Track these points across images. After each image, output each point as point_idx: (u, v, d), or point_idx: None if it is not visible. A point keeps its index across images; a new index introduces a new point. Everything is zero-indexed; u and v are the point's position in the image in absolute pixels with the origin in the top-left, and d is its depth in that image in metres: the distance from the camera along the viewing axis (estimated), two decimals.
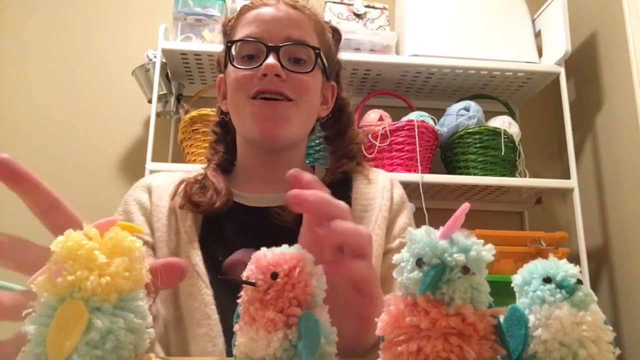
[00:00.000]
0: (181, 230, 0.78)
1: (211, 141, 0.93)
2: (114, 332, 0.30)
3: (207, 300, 0.71)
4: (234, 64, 0.80)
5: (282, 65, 0.77)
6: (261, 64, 0.77)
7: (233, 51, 0.81)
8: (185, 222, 0.78)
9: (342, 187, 0.86)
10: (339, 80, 0.92)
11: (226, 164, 0.89)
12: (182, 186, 0.82)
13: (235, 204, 0.81)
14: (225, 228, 0.78)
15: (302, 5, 0.83)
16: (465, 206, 0.32)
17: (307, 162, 0.97)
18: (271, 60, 0.76)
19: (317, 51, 0.80)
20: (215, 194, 0.79)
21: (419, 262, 0.32)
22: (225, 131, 0.90)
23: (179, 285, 0.74)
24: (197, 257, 0.75)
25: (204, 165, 0.91)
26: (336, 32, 0.90)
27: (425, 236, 0.33)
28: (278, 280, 0.34)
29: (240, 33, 0.81)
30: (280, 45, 0.77)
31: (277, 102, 0.78)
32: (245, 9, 0.83)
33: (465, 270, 0.31)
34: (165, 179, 0.86)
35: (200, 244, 0.77)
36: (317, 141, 1.55)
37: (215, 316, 0.71)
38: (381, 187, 0.86)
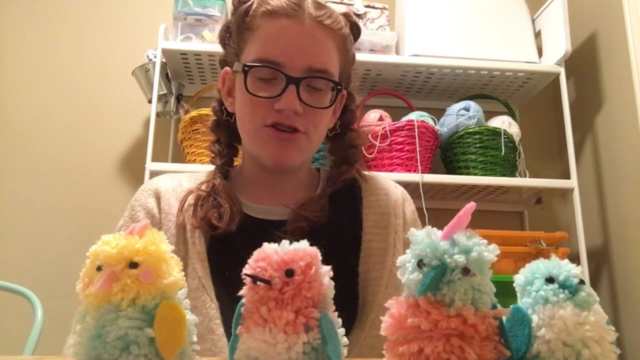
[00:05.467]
0: (189, 241, 0.76)
1: (212, 124, 0.89)
2: (193, 325, 0.36)
3: (212, 314, 0.70)
4: (250, 82, 0.75)
5: (300, 99, 0.74)
6: (280, 94, 0.73)
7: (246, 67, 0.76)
8: (194, 233, 0.76)
9: (348, 196, 0.84)
10: (350, 74, 0.88)
11: (230, 161, 0.87)
12: (190, 198, 0.79)
13: (243, 215, 0.79)
14: (233, 241, 0.76)
15: (328, 18, 0.77)
16: (470, 206, 0.32)
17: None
18: (290, 96, 0.73)
19: (338, 87, 0.78)
20: (230, 216, 0.76)
21: (420, 264, 0.32)
22: (228, 130, 0.87)
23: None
24: (203, 270, 0.73)
25: (208, 166, 0.89)
26: (356, 30, 0.86)
27: (427, 237, 0.32)
28: (295, 277, 0.32)
29: (257, 46, 0.76)
30: (301, 77, 0.74)
31: (290, 134, 0.76)
32: (263, 12, 0.76)
33: (466, 271, 0.31)
34: (171, 182, 0.84)
35: (208, 256, 0.75)
36: None
37: (219, 330, 0.69)
38: (393, 201, 0.84)
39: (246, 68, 0.76)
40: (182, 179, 0.85)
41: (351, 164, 0.86)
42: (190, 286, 0.72)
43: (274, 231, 0.73)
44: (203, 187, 0.81)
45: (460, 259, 0.30)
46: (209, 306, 0.70)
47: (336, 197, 0.82)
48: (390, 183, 0.89)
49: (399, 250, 0.79)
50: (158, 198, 0.81)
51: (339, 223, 0.80)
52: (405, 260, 0.33)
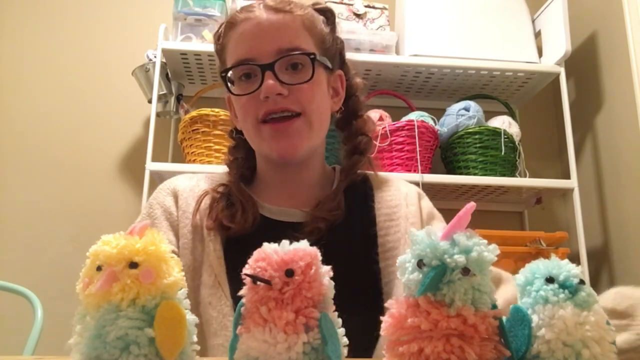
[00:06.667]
0: (206, 239, 0.77)
1: (230, 148, 0.91)
2: (193, 325, 0.36)
3: (226, 311, 0.71)
4: (233, 91, 0.79)
5: (280, 81, 0.75)
6: (260, 86, 0.75)
7: (230, 75, 0.80)
8: (210, 232, 0.77)
9: (359, 192, 0.84)
10: (344, 61, 0.89)
11: (249, 172, 0.87)
12: (205, 200, 0.80)
13: (260, 216, 0.80)
14: (250, 241, 0.76)
15: (286, 3, 0.79)
16: (470, 206, 0.32)
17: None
18: (269, 81, 0.74)
19: (312, 56, 0.78)
20: (243, 215, 0.77)
21: (420, 264, 0.32)
22: (243, 140, 0.87)
23: (201, 293, 0.74)
24: (220, 268, 0.74)
25: (212, 166, 0.90)
26: (328, 13, 0.86)
27: (427, 237, 0.32)
28: (295, 277, 0.32)
29: (230, 55, 0.80)
30: (273, 61, 0.75)
31: (287, 121, 0.76)
32: (229, 27, 0.81)
33: (466, 271, 0.31)
34: (189, 182, 0.85)
35: (225, 254, 0.76)
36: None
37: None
38: (404, 194, 0.85)
39: (223, 74, 0.80)
40: (200, 179, 0.86)
41: (362, 152, 0.87)
42: (207, 283, 0.74)
43: (291, 233, 0.73)
44: (220, 189, 0.82)
45: (460, 259, 0.30)
46: (223, 303, 0.71)
47: (348, 195, 0.83)
48: (402, 182, 0.90)
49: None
50: (175, 197, 0.82)
51: (353, 222, 0.81)
52: (405, 260, 0.33)
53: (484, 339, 0.31)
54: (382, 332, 0.34)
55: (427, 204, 0.87)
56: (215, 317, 0.71)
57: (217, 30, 0.84)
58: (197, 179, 0.86)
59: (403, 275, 0.33)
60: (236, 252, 0.76)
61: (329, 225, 0.77)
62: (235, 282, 0.73)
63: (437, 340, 0.30)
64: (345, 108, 0.89)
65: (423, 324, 0.31)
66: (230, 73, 0.80)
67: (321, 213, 0.77)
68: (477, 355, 0.30)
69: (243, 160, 0.88)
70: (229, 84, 0.81)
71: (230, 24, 0.80)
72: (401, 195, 0.84)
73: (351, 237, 0.79)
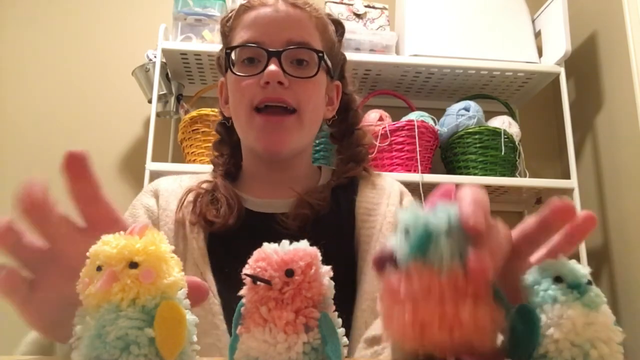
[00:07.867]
0: (189, 236, 0.76)
1: (215, 142, 0.91)
2: (193, 325, 0.35)
3: (215, 310, 0.70)
4: (235, 70, 0.78)
5: (284, 71, 0.75)
6: (263, 70, 0.75)
7: (233, 56, 0.79)
8: (194, 229, 0.77)
9: (347, 190, 0.85)
10: (344, 75, 0.90)
11: (234, 169, 0.87)
12: (189, 196, 0.80)
13: (244, 209, 0.79)
14: (234, 236, 0.76)
15: (303, 2, 0.80)
16: (450, 187, 0.34)
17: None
18: (273, 67, 0.74)
19: (320, 54, 0.78)
20: (228, 210, 0.77)
21: (406, 232, 0.32)
22: (229, 134, 0.88)
23: None
24: (205, 266, 0.73)
25: (209, 166, 0.91)
26: (339, 25, 0.88)
27: (410, 210, 0.33)
28: (295, 277, 0.32)
29: (239, 37, 0.79)
30: (281, 49, 0.75)
31: (280, 117, 0.76)
32: (243, 10, 0.81)
33: (450, 234, 0.31)
34: (172, 183, 0.85)
35: (209, 252, 0.75)
36: (317, 140, 1.55)
37: (223, 326, 0.69)
38: (387, 193, 0.85)
39: (228, 50, 0.79)
40: (182, 179, 0.86)
41: (358, 162, 0.87)
42: None
43: (278, 217, 0.75)
44: (204, 185, 0.82)
45: (443, 221, 0.31)
46: (211, 302, 0.70)
47: (337, 191, 0.83)
48: (388, 180, 0.90)
49: (384, 234, 0.78)
50: (157, 197, 0.82)
51: (338, 215, 0.81)
52: (394, 235, 0.34)
53: (476, 298, 0.31)
54: (378, 303, 0.34)
55: (407, 199, 0.87)
56: (204, 317, 0.69)
57: (227, 15, 0.84)
58: (180, 179, 0.86)
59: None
60: (220, 248, 0.75)
61: (315, 214, 0.77)
62: (221, 280, 0.72)
63: (430, 304, 0.30)
64: (345, 121, 0.89)
65: (415, 287, 0.30)
66: (233, 54, 0.79)
67: (308, 198, 0.78)
68: (471, 316, 0.30)
69: (228, 157, 0.88)
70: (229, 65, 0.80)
71: (245, 7, 0.80)
72: (384, 194, 0.85)
73: (335, 230, 0.79)
